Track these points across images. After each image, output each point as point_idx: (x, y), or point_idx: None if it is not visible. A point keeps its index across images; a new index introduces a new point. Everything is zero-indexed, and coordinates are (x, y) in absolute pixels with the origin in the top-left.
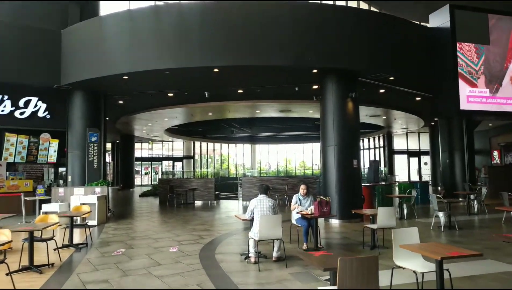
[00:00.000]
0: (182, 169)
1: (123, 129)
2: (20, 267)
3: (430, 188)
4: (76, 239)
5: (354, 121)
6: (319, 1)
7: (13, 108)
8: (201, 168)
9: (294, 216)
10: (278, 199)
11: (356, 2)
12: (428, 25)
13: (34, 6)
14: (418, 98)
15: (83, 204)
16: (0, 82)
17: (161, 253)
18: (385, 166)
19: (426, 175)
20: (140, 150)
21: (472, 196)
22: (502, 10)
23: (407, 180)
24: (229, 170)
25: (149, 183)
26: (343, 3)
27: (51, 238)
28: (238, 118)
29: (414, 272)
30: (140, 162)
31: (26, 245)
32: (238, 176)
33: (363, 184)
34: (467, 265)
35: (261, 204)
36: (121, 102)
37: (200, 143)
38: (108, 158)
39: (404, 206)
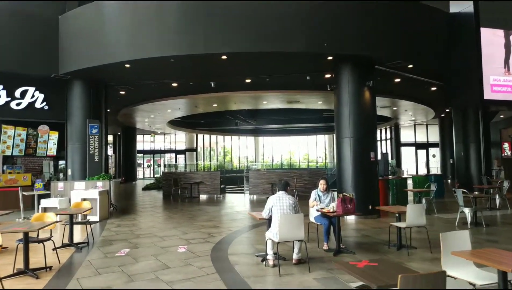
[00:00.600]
0: (185, 162)
1: (124, 121)
2: (15, 271)
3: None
4: (77, 238)
5: (371, 112)
6: None
7: (9, 99)
8: (204, 161)
9: (313, 214)
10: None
11: None
12: (449, 11)
13: None
14: (433, 88)
15: (84, 199)
16: None
17: (169, 253)
18: (392, 159)
19: (434, 168)
20: (142, 142)
21: (492, 190)
22: None
23: (414, 173)
24: (232, 163)
25: (152, 176)
26: None
27: (49, 239)
28: (242, 110)
29: (472, 284)
30: (142, 154)
31: (21, 246)
32: (241, 169)
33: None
34: None
35: (280, 202)
36: (123, 92)
37: (203, 136)
38: (110, 151)
39: (423, 201)
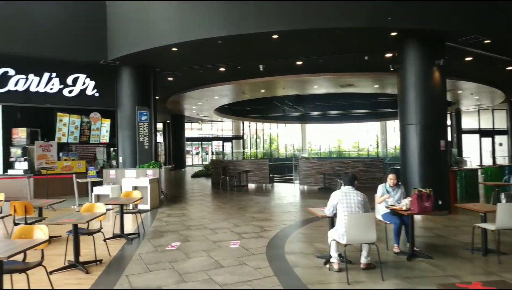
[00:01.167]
0: (232, 149)
1: (173, 109)
2: (66, 263)
3: None
4: (128, 228)
5: (441, 94)
6: None
7: (62, 86)
8: (250, 149)
9: (380, 211)
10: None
11: None
12: None
13: None
14: (510, 68)
15: (135, 187)
16: (47, 58)
17: (221, 249)
18: (452, 147)
19: (501, 158)
20: (191, 130)
21: None
22: None
23: (478, 163)
24: (279, 151)
25: (200, 163)
26: None
27: (98, 230)
28: (290, 95)
29: None
30: (190, 142)
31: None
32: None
33: None
34: None
35: (347, 198)
36: (171, 79)
37: (249, 123)
38: (160, 138)
39: (502, 196)
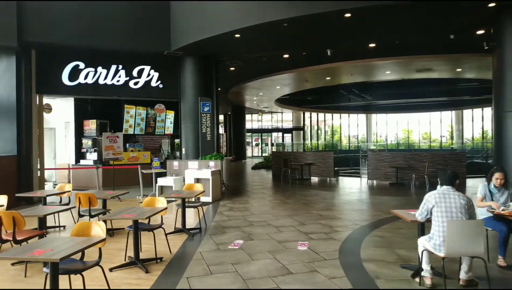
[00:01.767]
0: (292, 141)
1: (234, 100)
2: (127, 259)
3: None
4: (190, 221)
5: None
6: None
7: (127, 78)
8: (311, 140)
9: (480, 215)
10: (415, 180)
11: None
12: None
13: None
14: None
15: (198, 179)
16: (114, 50)
17: (288, 251)
18: None
19: None
20: (251, 121)
21: None
22: None
23: None
24: (341, 142)
25: (260, 154)
26: None
27: (159, 226)
28: (357, 83)
29: None
30: (250, 133)
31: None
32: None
33: None
34: None
35: (446, 201)
36: (233, 68)
37: (310, 114)
38: (221, 130)
39: None
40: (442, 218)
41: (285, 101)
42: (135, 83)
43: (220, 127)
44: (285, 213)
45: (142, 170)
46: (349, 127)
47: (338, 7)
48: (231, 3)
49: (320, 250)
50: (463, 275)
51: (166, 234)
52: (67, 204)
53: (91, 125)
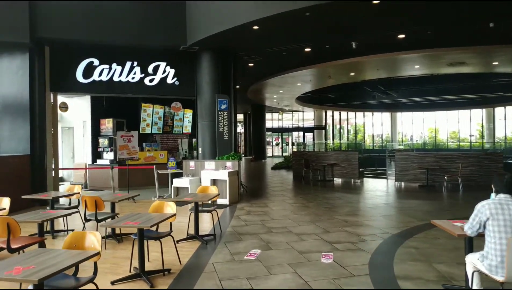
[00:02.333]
0: (313, 140)
1: (254, 99)
2: (132, 270)
3: None
4: (204, 226)
5: None
6: None
7: (143, 75)
8: (333, 139)
9: None
10: (447, 183)
11: None
12: None
13: None
14: None
15: (214, 181)
16: (128, 46)
17: (310, 263)
18: None
19: None
20: (271, 120)
21: None
22: None
23: None
24: (365, 142)
25: (280, 154)
26: None
27: (168, 234)
28: (381, 79)
29: None
30: (270, 132)
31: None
32: (376, 148)
33: None
34: None
35: (504, 213)
36: (251, 64)
37: (332, 112)
38: (240, 129)
39: None
40: (500, 234)
41: (306, 99)
42: (151, 80)
43: (238, 126)
44: (307, 219)
45: (158, 171)
46: (373, 126)
47: None
48: None
49: (347, 263)
50: None
51: (175, 243)
52: (77, 206)
53: (107, 124)
